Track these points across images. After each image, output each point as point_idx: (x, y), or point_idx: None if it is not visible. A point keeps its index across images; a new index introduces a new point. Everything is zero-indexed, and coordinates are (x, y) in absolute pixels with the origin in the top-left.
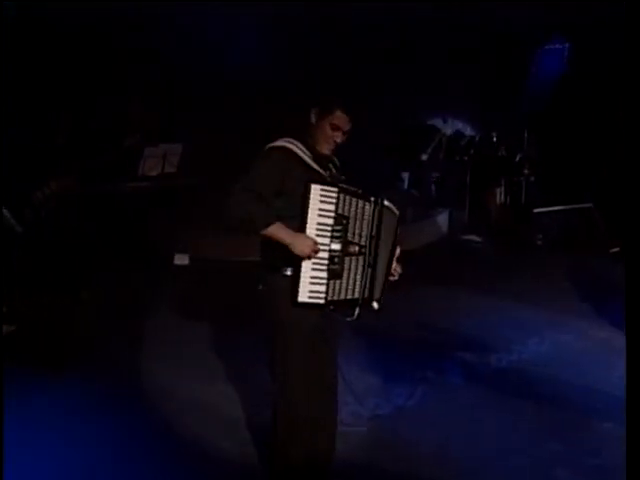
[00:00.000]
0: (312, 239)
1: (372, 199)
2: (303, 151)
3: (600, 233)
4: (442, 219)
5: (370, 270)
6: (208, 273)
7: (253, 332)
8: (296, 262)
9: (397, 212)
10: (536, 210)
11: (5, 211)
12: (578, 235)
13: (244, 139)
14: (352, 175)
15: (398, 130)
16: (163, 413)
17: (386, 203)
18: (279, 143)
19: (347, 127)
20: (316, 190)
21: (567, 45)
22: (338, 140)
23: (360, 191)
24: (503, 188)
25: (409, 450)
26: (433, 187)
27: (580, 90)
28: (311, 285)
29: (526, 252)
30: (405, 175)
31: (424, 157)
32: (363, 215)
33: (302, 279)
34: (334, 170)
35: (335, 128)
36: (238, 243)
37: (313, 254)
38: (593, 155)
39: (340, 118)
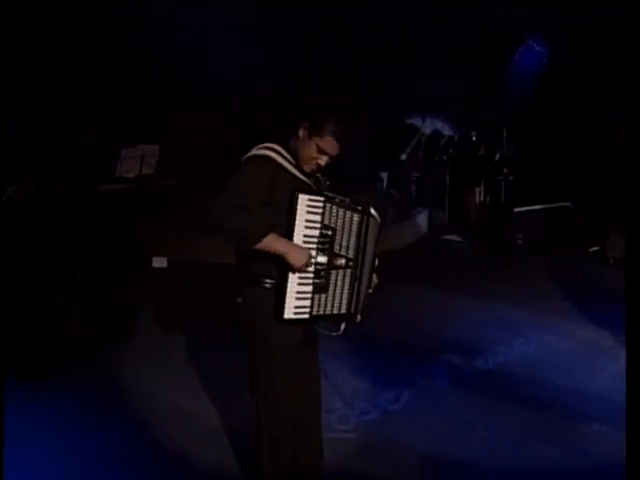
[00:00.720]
0: (308, 252)
1: (359, 208)
2: (286, 158)
3: (579, 232)
4: (422, 219)
5: (357, 284)
6: (187, 276)
7: (235, 338)
8: (282, 274)
9: (379, 220)
10: (516, 209)
11: None
12: (558, 234)
13: (230, 139)
14: (330, 175)
15: (380, 130)
16: (144, 422)
17: (372, 212)
18: (261, 152)
19: (335, 152)
20: (303, 200)
21: (541, 43)
22: (322, 163)
23: (347, 200)
24: (482, 187)
25: (397, 455)
26: (413, 187)
27: (559, 89)
28: (297, 300)
29: (507, 252)
30: (384, 175)
31: (403, 157)
32: (351, 226)
33: (288, 295)
34: (318, 174)
35: (322, 152)
36: (217, 245)
37: (304, 267)
38: (572, 154)
39: (329, 143)
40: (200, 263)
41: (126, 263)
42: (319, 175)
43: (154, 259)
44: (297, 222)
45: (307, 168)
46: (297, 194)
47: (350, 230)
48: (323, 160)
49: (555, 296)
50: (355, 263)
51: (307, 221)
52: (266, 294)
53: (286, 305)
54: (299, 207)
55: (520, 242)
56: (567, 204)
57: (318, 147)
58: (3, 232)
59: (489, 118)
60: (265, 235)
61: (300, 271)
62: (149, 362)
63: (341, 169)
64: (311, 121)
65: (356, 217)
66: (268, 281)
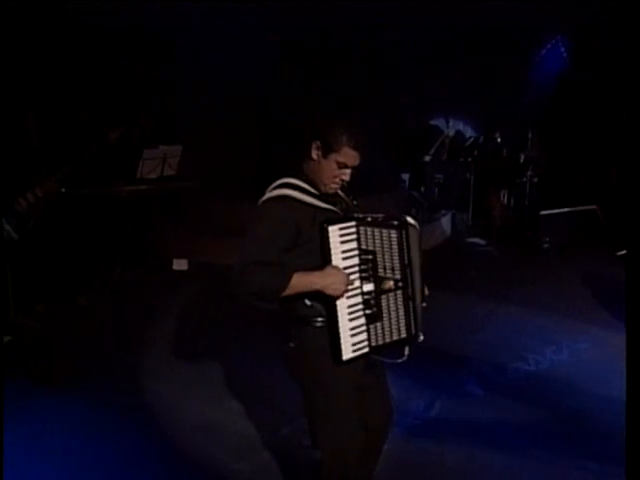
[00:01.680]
0: (342, 272)
1: (395, 223)
2: (305, 191)
3: (606, 235)
4: (445, 222)
5: (411, 303)
6: (208, 278)
7: (264, 344)
8: (329, 312)
9: (418, 226)
10: (543, 212)
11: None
12: (584, 238)
13: (247, 141)
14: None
15: (400, 131)
16: (169, 432)
17: (410, 221)
18: (276, 192)
19: (357, 163)
20: (334, 231)
21: (564, 44)
22: (347, 178)
23: (380, 217)
24: (507, 190)
25: (430, 468)
26: (436, 189)
27: (583, 88)
28: (352, 337)
29: (533, 255)
30: (405, 177)
31: (427, 158)
32: (390, 245)
33: (342, 334)
34: (342, 193)
35: (343, 166)
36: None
37: (347, 288)
38: (598, 155)
39: (348, 155)
40: (222, 265)
41: (146, 265)
42: (343, 195)
43: (175, 261)
44: (333, 256)
45: (331, 188)
46: (326, 227)
47: (391, 249)
48: (347, 174)
49: (583, 301)
50: (404, 283)
51: (343, 252)
52: (318, 333)
53: (342, 346)
54: (331, 239)
55: (546, 246)
56: (593, 207)
57: (338, 163)
58: (25, 232)
59: (513, 119)
60: (289, 279)
61: (345, 294)
62: (172, 368)
63: (360, 172)
64: (322, 140)
65: (394, 234)
66: (319, 319)
